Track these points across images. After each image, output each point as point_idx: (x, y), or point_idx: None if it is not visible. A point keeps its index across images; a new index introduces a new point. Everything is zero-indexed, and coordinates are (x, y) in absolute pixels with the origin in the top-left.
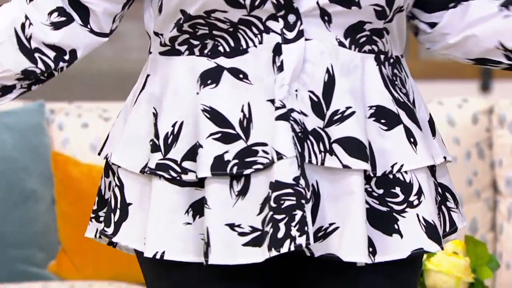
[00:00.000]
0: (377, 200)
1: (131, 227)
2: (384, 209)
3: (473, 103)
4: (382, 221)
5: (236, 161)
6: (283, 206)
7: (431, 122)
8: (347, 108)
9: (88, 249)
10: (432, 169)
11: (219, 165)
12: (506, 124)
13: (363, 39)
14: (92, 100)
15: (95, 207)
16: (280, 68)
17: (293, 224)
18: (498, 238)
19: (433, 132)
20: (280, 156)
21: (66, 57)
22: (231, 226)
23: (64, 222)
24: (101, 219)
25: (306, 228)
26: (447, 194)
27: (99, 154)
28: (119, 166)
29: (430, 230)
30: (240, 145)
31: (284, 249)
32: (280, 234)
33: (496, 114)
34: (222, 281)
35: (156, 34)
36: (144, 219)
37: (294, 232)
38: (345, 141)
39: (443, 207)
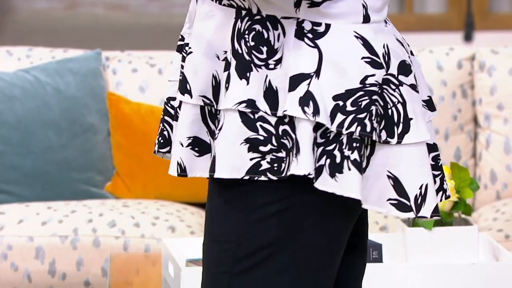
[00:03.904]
0: (217, 130)
1: None
2: (214, 137)
3: (458, 51)
4: (213, 147)
5: None
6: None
7: (296, 77)
8: (189, 48)
9: (138, 173)
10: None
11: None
12: (485, 69)
13: None
14: (140, 49)
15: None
16: None
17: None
18: (478, 164)
19: (292, 87)
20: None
21: None
22: None
23: (117, 151)
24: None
25: (161, 141)
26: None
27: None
28: None
29: (211, 161)
30: None
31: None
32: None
33: (477, 61)
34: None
35: None
36: None
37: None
38: (181, 75)
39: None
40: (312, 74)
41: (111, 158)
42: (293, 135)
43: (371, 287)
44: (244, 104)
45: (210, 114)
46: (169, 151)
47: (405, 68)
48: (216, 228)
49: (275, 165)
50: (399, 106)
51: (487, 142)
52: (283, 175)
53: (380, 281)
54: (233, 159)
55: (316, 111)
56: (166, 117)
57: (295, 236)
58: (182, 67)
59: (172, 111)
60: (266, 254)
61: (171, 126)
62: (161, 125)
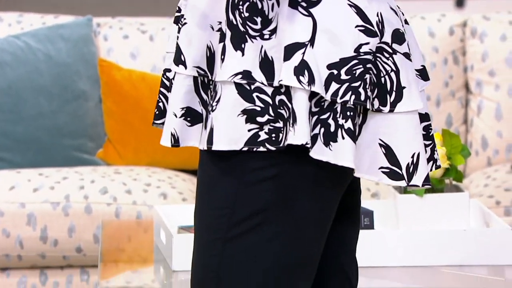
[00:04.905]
0: (213, 102)
1: None
2: (209, 108)
3: (450, 17)
4: (207, 118)
5: None
6: None
7: (291, 47)
8: (184, 19)
9: (129, 140)
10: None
11: None
12: (477, 35)
13: None
14: (132, 15)
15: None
16: None
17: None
18: (469, 130)
19: (287, 57)
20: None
21: None
22: None
23: (109, 117)
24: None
25: (157, 112)
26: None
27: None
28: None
29: (208, 133)
30: None
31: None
32: None
33: (469, 27)
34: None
35: None
36: None
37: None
38: (176, 46)
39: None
40: (306, 43)
41: (103, 125)
42: (289, 105)
43: (362, 254)
44: (240, 76)
45: (202, 84)
46: (164, 123)
47: (399, 36)
48: (210, 195)
49: (273, 135)
50: (392, 75)
51: (478, 108)
52: (281, 145)
53: (371, 247)
54: (231, 131)
55: (311, 80)
56: (162, 89)
57: (287, 202)
58: (178, 38)
59: (167, 83)
60: (259, 220)
61: (166, 98)
62: (158, 97)
